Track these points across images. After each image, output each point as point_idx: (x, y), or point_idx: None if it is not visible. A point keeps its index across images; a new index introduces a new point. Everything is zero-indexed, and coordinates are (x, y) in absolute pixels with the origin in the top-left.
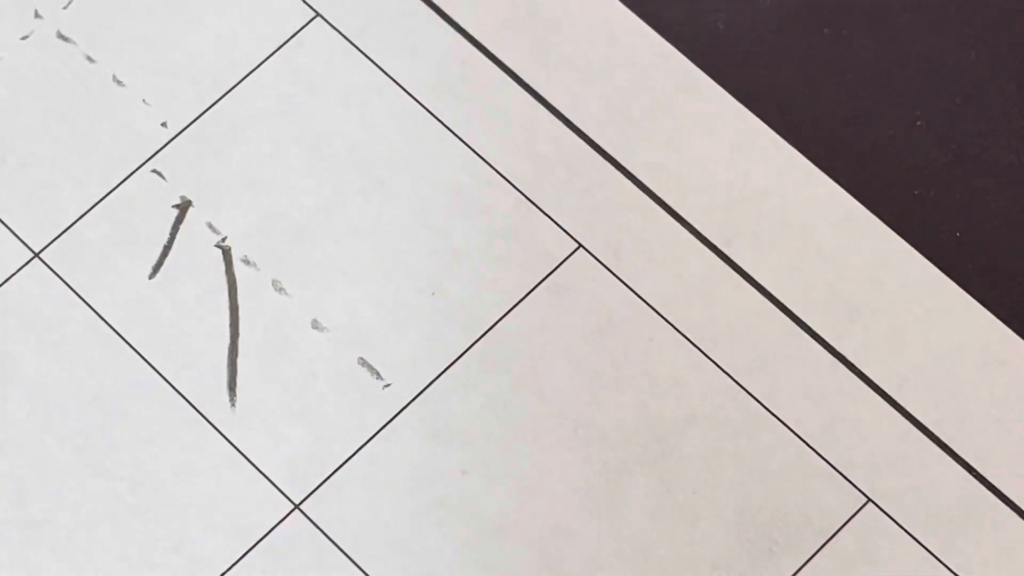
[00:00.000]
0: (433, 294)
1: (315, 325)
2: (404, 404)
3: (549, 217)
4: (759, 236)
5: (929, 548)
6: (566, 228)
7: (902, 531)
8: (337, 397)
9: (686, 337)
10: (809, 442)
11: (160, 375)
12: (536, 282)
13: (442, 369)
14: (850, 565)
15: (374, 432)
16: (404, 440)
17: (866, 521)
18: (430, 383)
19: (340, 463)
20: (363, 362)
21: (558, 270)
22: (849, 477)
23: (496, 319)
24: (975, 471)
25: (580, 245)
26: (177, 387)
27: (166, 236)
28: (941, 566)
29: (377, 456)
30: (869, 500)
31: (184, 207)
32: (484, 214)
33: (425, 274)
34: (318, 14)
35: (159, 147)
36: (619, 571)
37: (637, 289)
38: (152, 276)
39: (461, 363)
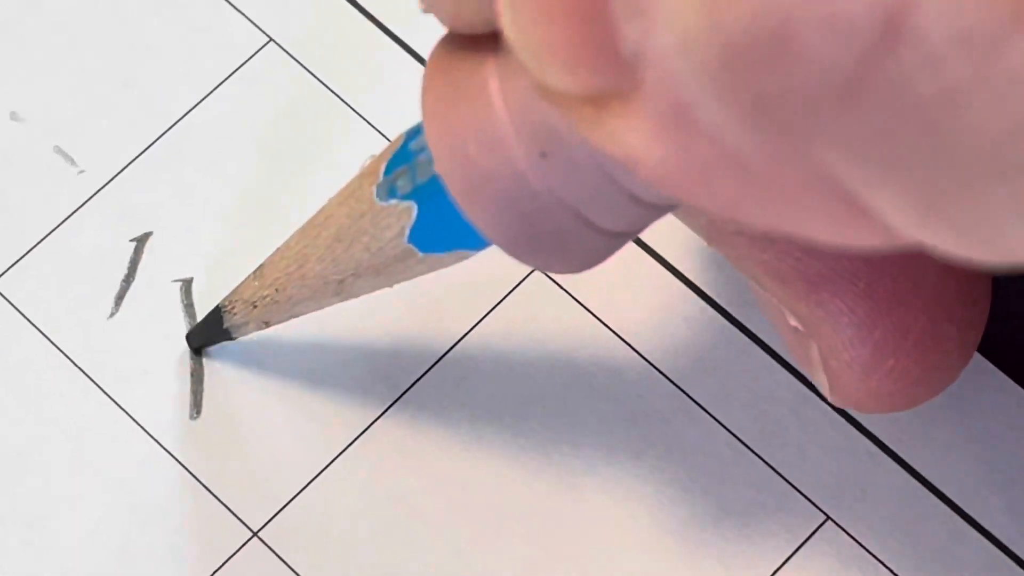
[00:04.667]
0: (127, 85)
1: (14, 116)
2: (98, 188)
3: (240, 12)
4: None
5: (591, 309)
6: (256, 22)
7: (567, 295)
8: (33, 182)
9: (368, 122)
10: None
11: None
12: (226, 75)
13: (135, 155)
14: (517, 326)
15: (68, 214)
16: (96, 221)
17: (533, 285)
18: (123, 168)
19: (35, 242)
20: (59, 150)
21: (248, 63)
22: None
23: (188, 109)
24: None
25: (271, 39)
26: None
27: None
28: (600, 324)
29: (70, 236)
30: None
31: None
32: (177, 9)
33: (120, 67)
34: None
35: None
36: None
37: (325, 80)
38: None
39: (153, 150)
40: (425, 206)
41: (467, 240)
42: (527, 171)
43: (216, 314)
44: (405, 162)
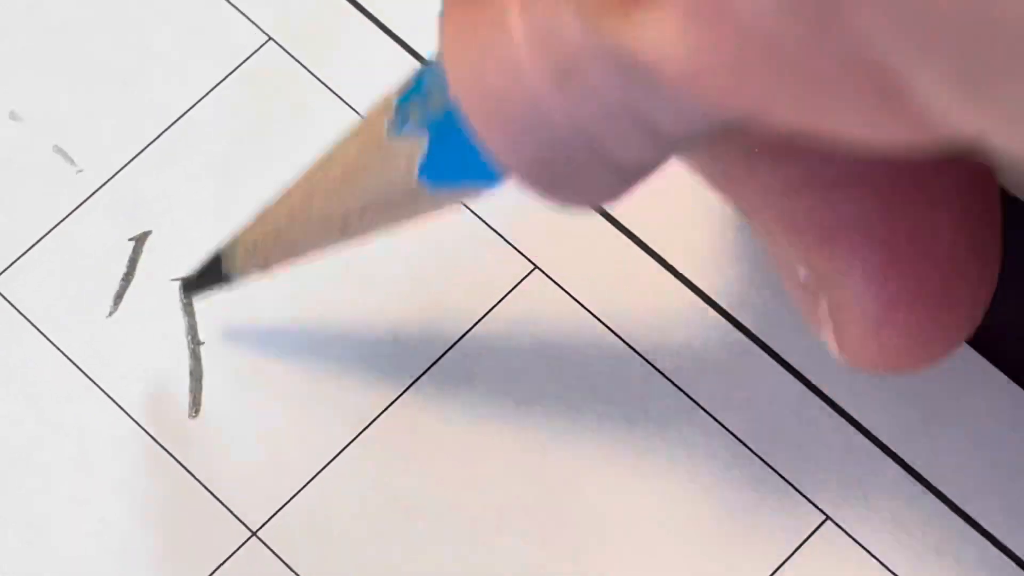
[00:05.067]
0: (127, 84)
1: (13, 116)
2: (97, 187)
3: (239, 11)
4: None
5: (591, 309)
6: (256, 21)
7: (567, 295)
8: (32, 181)
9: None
10: (481, 215)
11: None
12: (226, 73)
13: (134, 154)
14: (517, 326)
15: (67, 213)
16: (96, 220)
17: (533, 285)
18: (122, 167)
19: (34, 241)
20: (58, 149)
21: (248, 61)
22: (517, 246)
23: (187, 108)
24: (633, 235)
25: (270, 38)
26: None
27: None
28: (600, 325)
29: (69, 235)
30: (536, 267)
31: None
32: (176, 8)
33: (119, 66)
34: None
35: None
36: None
37: (324, 79)
38: None
39: (152, 149)
40: (437, 138)
41: (478, 173)
42: (544, 97)
43: (215, 260)
44: (417, 94)
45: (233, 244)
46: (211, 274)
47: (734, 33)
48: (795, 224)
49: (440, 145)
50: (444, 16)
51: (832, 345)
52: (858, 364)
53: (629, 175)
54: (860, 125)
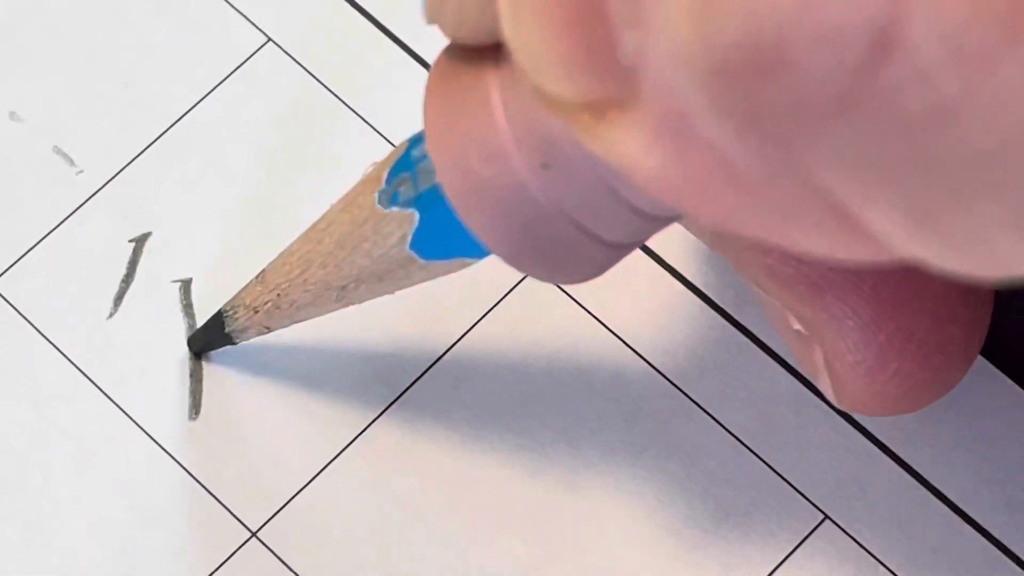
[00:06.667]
0: (127, 86)
1: (13, 117)
2: (97, 188)
3: (239, 12)
4: None
5: (589, 309)
6: (255, 22)
7: (565, 295)
8: (32, 182)
9: (367, 123)
10: None
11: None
12: (225, 75)
13: (134, 156)
14: (516, 326)
15: (67, 215)
16: (95, 221)
17: (531, 285)
18: (122, 168)
19: (34, 242)
20: (58, 150)
21: (248, 62)
22: None
23: (187, 109)
24: None
25: (270, 39)
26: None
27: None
28: (598, 324)
29: (69, 236)
30: None
31: None
32: (176, 9)
33: (119, 67)
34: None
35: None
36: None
37: (323, 80)
38: None
39: (152, 150)
40: (427, 214)
41: (469, 248)
42: (528, 182)
43: (218, 319)
44: (407, 169)
45: (235, 306)
46: (215, 333)
47: (698, 154)
48: (784, 277)
49: (430, 221)
50: (427, 98)
51: (828, 391)
52: (855, 409)
53: (617, 251)
54: (819, 245)
